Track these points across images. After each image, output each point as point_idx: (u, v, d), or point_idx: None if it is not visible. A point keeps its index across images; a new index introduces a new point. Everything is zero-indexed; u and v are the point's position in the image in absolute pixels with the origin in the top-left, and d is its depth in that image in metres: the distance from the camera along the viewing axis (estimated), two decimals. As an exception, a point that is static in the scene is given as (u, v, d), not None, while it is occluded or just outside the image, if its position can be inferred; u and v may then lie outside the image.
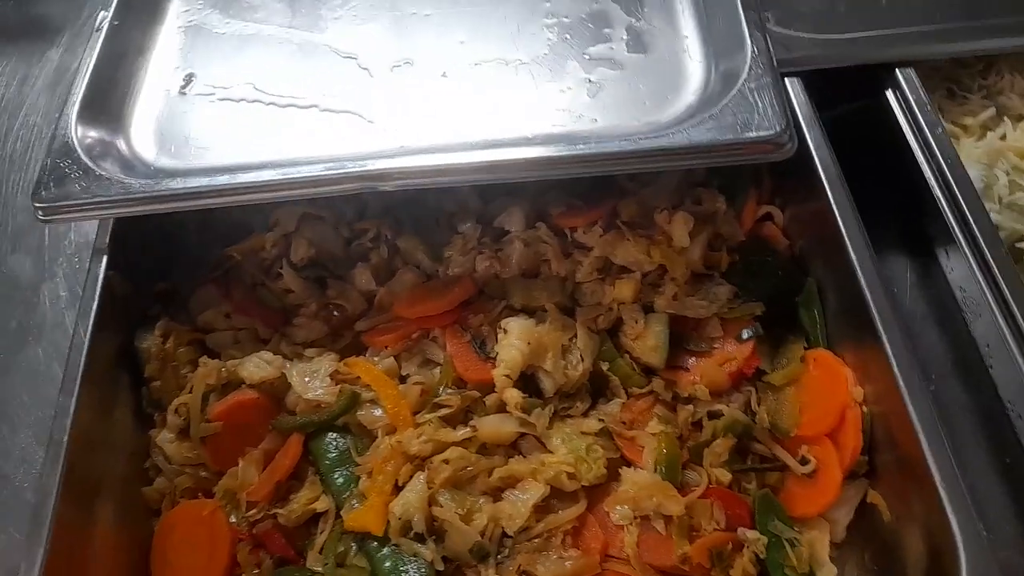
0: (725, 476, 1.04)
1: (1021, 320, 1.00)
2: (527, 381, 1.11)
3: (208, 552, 1.05)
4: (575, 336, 1.13)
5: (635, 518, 1.01)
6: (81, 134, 1.13)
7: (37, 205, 1.07)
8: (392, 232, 1.23)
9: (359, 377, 1.11)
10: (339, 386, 1.11)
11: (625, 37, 1.20)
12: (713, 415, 1.09)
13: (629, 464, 1.06)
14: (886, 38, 1.20)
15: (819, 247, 1.15)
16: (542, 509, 1.01)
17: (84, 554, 0.98)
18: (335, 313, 1.22)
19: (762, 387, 1.12)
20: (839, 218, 1.06)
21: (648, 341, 1.13)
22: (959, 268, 1.15)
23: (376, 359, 1.15)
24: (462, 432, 1.06)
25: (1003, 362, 1.08)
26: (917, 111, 1.15)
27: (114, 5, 1.26)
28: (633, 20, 1.22)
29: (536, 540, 1.00)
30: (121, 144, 1.17)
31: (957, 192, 1.09)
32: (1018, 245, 1.15)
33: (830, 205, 1.08)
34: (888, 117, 1.19)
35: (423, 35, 1.24)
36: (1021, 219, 1.16)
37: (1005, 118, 1.26)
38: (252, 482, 1.08)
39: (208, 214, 1.21)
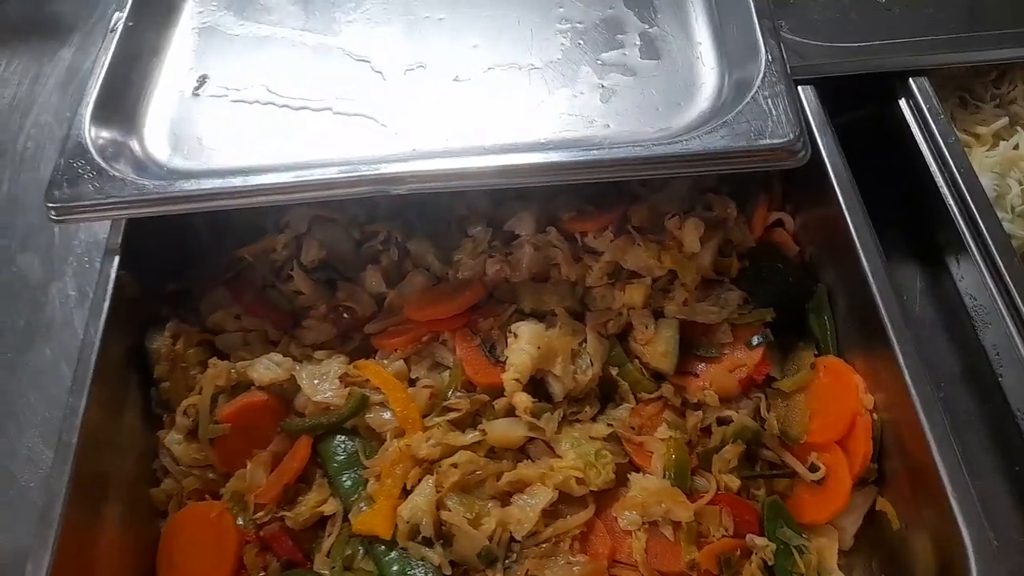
0: (734, 482, 1.04)
1: (1033, 329, 1.01)
2: (536, 385, 1.11)
3: (215, 554, 1.05)
4: (585, 341, 1.13)
5: (643, 524, 1.01)
6: (94, 134, 1.13)
7: (50, 205, 1.07)
8: (403, 235, 1.23)
9: (368, 380, 1.11)
10: (348, 389, 1.11)
11: (638, 43, 1.21)
12: (722, 421, 1.09)
13: (638, 469, 1.06)
14: (899, 47, 1.20)
15: (830, 253, 1.15)
16: (550, 514, 1.01)
17: (91, 555, 0.98)
18: (345, 315, 1.22)
19: (772, 394, 1.12)
20: (851, 224, 1.06)
21: (658, 346, 1.13)
22: (969, 276, 1.15)
23: (385, 362, 1.15)
24: (471, 436, 1.06)
25: (1013, 370, 1.08)
26: (930, 120, 1.15)
27: (128, 6, 1.26)
28: (647, 26, 1.23)
29: (544, 545, 1.00)
30: (134, 145, 1.17)
31: (970, 201, 1.09)
32: (1030, 254, 1.15)
33: (842, 212, 1.08)
34: (901, 125, 1.19)
35: (437, 39, 1.25)
36: (1033, 228, 1.17)
37: (1018, 128, 1.26)
38: (260, 484, 1.08)
39: (219, 215, 1.21)
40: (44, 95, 1.65)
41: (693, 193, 1.24)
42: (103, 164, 1.09)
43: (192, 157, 1.15)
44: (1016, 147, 1.23)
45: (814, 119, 1.15)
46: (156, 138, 1.18)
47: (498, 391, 1.09)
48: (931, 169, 1.14)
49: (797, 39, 1.22)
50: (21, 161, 1.55)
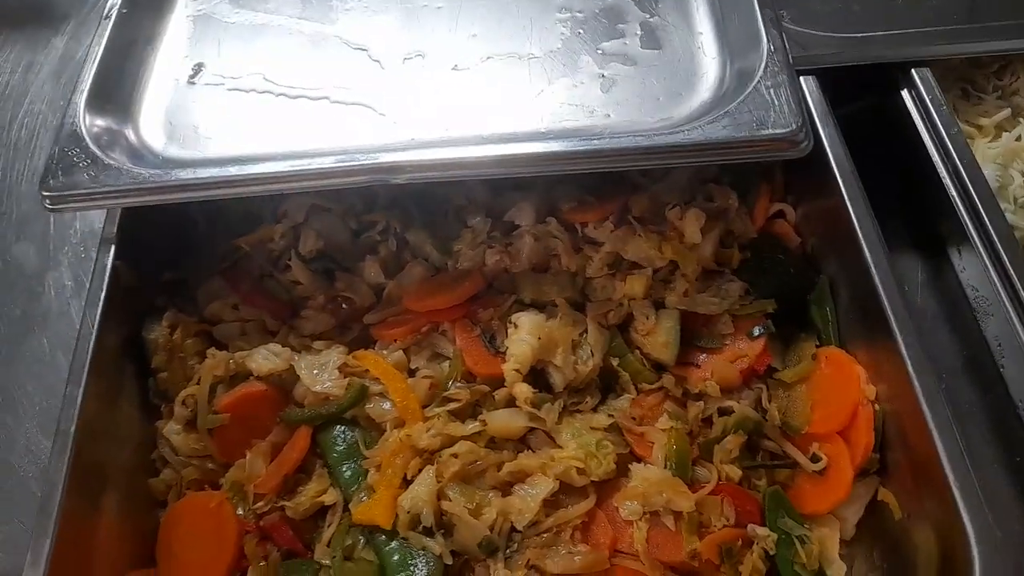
0: (735, 472, 1.04)
1: (1035, 320, 1.00)
2: (537, 376, 1.10)
3: (215, 544, 1.04)
4: (585, 331, 1.13)
5: (644, 514, 1.01)
6: (89, 123, 1.12)
7: (45, 194, 1.06)
8: (401, 225, 1.23)
9: (368, 370, 1.11)
10: (348, 379, 1.10)
11: (639, 33, 1.20)
12: (724, 412, 1.09)
13: (639, 460, 1.06)
14: (902, 37, 1.20)
15: (832, 244, 1.15)
16: (551, 504, 1.01)
17: (90, 545, 0.98)
18: (343, 306, 1.21)
19: (773, 384, 1.12)
20: (853, 215, 1.06)
21: (659, 337, 1.12)
22: (972, 267, 1.15)
23: (385, 352, 1.14)
24: (471, 426, 1.06)
25: (1015, 362, 1.08)
26: (933, 111, 1.15)
27: (123, -8, 1.25)
28: (647, 16, 1.22)
29: (545, 535, 1.00)
30: (129, 133, 1.16)
31: (972, 192, 1.08)
32: (1033, 245, 1.15)
33: (844, 202, 1.07)
34: (903, 116, 1.19)
35: (435, 28, 1.24)
36: (1036, 220, 1.17)
37: (1020, 119, 1.26)
38: (259, 474, 1.07)
39: (216, 204, 1.20)
40: (38, 83, 1.64)
41: (694, 183, 1.24)
42: (98, 152, 1.08)
43: (188, 146, 1.14)
44: (1019, 138, 1.23)
45: (816, 109, 1.15)
46: (151, 126, 1.17)
47: (498, 382, 1.09)
48: (933, 160, 1.14)
49: (799, 29, 1.21)
50: (15, 150, 1.54)
